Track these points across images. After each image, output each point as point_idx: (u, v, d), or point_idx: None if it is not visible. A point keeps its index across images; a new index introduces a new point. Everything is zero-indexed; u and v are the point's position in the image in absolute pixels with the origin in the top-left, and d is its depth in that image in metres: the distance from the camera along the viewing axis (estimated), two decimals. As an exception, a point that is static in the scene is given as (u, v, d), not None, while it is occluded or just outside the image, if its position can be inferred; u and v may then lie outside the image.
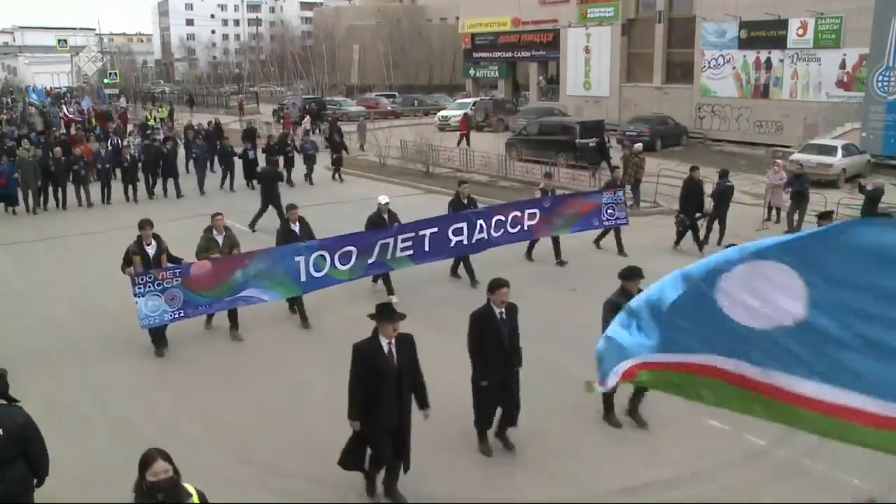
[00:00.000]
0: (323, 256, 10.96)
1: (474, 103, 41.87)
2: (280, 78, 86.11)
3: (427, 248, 12.27)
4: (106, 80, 54.48)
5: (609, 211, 15.04)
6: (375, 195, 20.72)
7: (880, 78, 26.26)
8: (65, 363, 10.31)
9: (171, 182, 22.88)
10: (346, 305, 11.98)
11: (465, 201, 13.62)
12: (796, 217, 17.50)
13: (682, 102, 35.64)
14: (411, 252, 12.08)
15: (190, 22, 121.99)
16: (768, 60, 32.33)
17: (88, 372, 10.03)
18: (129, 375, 9.85)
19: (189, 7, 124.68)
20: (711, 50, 34.30)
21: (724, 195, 16.17)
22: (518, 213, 13.70)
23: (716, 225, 16.10)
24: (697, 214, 15.61)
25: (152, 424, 8.42)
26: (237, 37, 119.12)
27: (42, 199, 21.30)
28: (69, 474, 7.01)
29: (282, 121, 40.55)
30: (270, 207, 17.82)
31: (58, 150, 22.18)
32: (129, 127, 36.86)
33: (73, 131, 34.05)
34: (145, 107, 59.06)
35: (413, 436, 6.75)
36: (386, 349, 6.44)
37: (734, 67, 33.57)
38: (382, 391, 6.41)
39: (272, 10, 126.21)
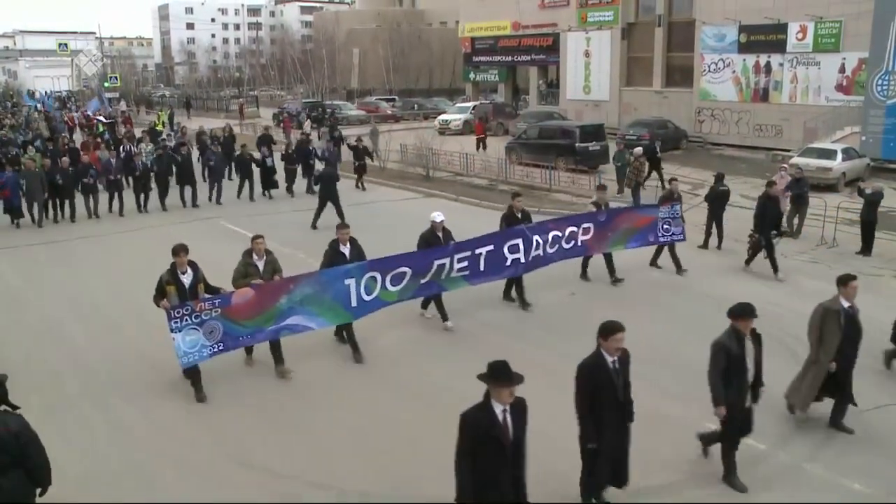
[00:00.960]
0: (374, 278, 10.04)
1: (474, 107, 41.91)
2: (280, 82, 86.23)
3: (483, 268, 11.39)
4: (106, 84, 54.51)
5: (665, 226, 14.11)
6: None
7: (880, 82, 26.29)
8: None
9: (187, 191, 21.90)
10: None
11: (520, 215, 12.47)
12: (796, 221, 17.53)
13: (681, 106, 35.67)
14: (467, 272, 11.21)
15: (190, 26, 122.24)
16: (768, 64, 32.36)
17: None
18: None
19: (189, 11, 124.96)
20: (711, 54, 34.33)
21: (717, 199, 16.23)
22: (574, 228, 12.78)
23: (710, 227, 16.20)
24: (773, 233, 14.38)
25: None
26: (237, 41, 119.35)
27: (50, 211, 20.24)
28: (70, 475, 7.00)
29: (281, 125, 40.61)
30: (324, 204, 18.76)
31: (65, 159, 21.26)
32: (138, 132, 34.68)
33: (81, 137, 33.24)
34: (149, 111, 59.04)
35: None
36: (501, 418, 5.37)
37: (734, 71, 33.60)
38: (498, 468, 5.41)
39: (272, 14, 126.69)
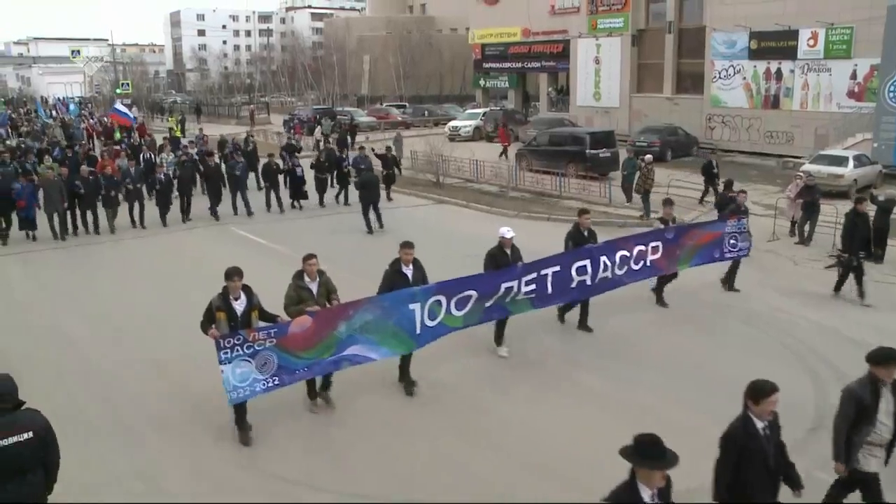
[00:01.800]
0: (439, 302, 9.26)
1: (484, 114, 41.99)
2: (291, 88, 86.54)
3: (550, 290, 10.58)
4: (118, 90, 54.93)
5: (732, 241, 13.29)
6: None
7: (892, 88, 26.14)
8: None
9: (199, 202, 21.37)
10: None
11: (586, 234, 11.71)
12: (807, 228, 17.48)
13: (692, 113, 35.60)
14: (534, 295, 10.40)
15: (202, 33, 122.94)
16: (779, 71, 32.28)
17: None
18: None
19: (201, 18, 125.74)
20: (721, 60, 34.28)
21: (725, 206, 16.18)
22: (642, 247, 12.01)
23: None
24: (862, 254, 13.39)
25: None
26: (248, 47, 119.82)
27: (71, 223, 19.44)
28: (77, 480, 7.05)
29: (292, 131, 40.78)
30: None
31: (85, 167, 20.39)
32: (159, 140, 33.37)
33: (98, 145, 32.61)
34: (163, 118, 59.10)
35: None
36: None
37: (744, 78, 33.54)
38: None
39: (283, 20, 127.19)
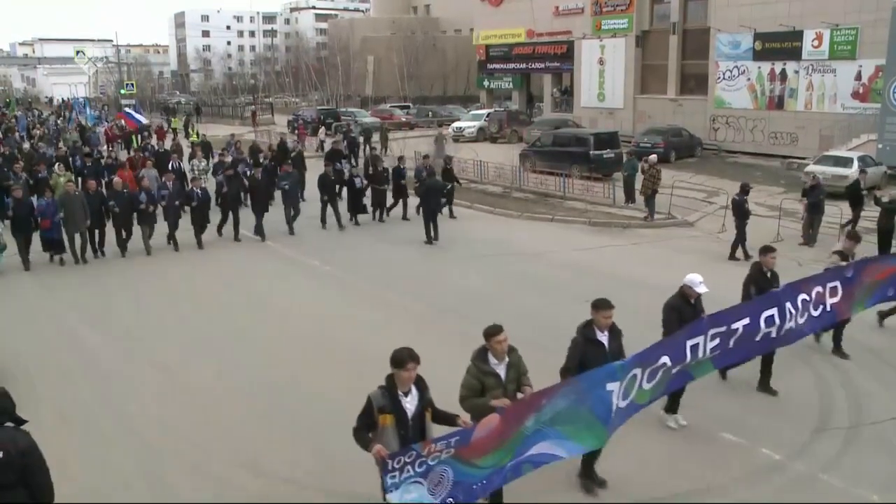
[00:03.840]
0: (635, 377, 7.34)
1: (488, 115, 42.00)
2: (295, 89, 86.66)
3: (732, 346, 8.60)
4: (123, 91, 54.90)
5: None
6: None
7: (897, 89, 26.13)
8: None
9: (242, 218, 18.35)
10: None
11: (769, 275, 10.00)
12: (811, 230, 17.47)
13: (696, 114, 35.58)
14: (717, 352, 8.46)
15: (206, 33, 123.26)
16: (783, 72, 32.24)
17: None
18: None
19: (205, 19, 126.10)
20: (726, 61, 34.25)
21: (733, 209, 16.18)
22: (820, 289, 10.09)
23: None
24: None
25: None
26: (252, 48, 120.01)
27: (97, 242, 16.84)
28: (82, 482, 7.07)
29: (296, 131, 40.80)
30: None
31: (118, 180, 17.69)
32: (183, 145, 30.51)
33: (113, 150, 30.65)
34: (168, 119, 58.47)
35: None
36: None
37: (749, 79, 33.50)
38: None
39: (287, 21, 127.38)
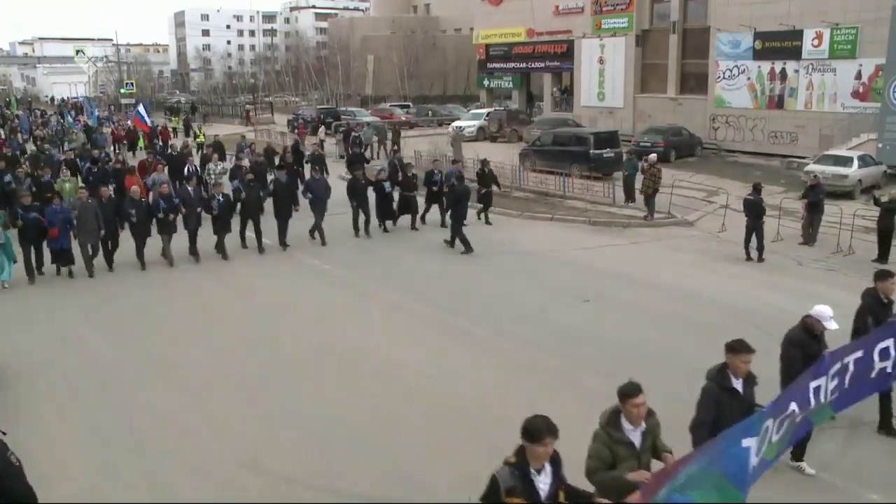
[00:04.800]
0: (767, 429, 6.26)
1: (488, 114, 41.99)
2: (295, 88, 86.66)
3: (847, 384, 7.56)
4: (123, 91, 54.89)
5: None
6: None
7: (897, 88, 26.11)
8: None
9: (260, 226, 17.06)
10: None
11: (886, 301, 8.73)
12: (811, 229, 17.48)
13: (696, 113, 35.55)
14: (836, 394, 7.38)
15: (206, 33, 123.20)
16: (783, 71, 32.22)
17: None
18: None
19: (205, 18, 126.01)
20: (726, 61, 34.22)
21: (745, 208, 16.13)
22: None
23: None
24: None
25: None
26: (252, 47, 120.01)
27: (108, 253, 15.57)
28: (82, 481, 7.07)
29: (296, 131, 40.78)
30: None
31: (136, 188, 16.40)
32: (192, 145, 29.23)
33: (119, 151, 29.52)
34: (194, 121, 55.40)
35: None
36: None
37: (749, 78, 33.47)
38: None
39: (287, 20, 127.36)
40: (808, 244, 17.28)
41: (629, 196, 21.76)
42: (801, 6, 30.82)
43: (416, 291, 13.96)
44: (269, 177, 19.98)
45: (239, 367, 10.46)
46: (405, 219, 19.46)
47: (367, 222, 18.52)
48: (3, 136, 33.87)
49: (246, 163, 21.11)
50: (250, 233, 17.14)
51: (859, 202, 21.02)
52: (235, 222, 17.12)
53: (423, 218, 19.69)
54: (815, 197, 17.34)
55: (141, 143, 33.50)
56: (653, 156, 21.20)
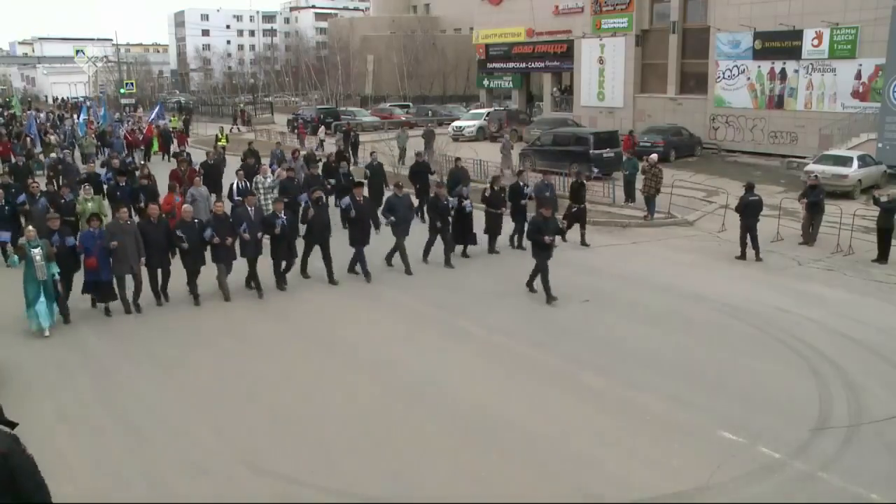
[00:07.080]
0: None
1: (488, 114, 42.01)
2: (295, 88, 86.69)
3: None
4: (122, 91, 54.81)
5: None
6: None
7: (897, 88, 26.12)
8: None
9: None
10: None
11: None
12: (810, 229, 17.48)
13: (696, 113, 35.57)
14: None
15: (206, 32, 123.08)
16: (783, 71, 32.23)
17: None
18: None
19: (205, 18, 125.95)
20: (726, 61, 34.23)
21: (749, 209, 16.11)
22: None
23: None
24: None
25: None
26: (252, 47, 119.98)
27: (160, 286, 13.05)
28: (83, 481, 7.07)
29: (296, 131, 40.78)
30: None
31: (188, 207, 13.73)
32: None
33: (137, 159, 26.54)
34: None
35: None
36: None
37: (748, 78, 33.48)
38: None
39: (287, 20, 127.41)
40: (807, 244, 17.28)
41: (629, 196, 21.77)
42: (800, 6, 30.84)
43: (416, 292, 13.94)
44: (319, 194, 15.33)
45: (233, 360, 10.46)
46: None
47: (448, 248, 15.59)
48: (7, 139, 29.65)
49: (301, 175, 18.32)
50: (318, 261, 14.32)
51: (859, 202, 21.03)
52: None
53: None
54: (816, 197, 17.34)
55: (155, 148, 31.46)
56: (654, 156, 21.19)
